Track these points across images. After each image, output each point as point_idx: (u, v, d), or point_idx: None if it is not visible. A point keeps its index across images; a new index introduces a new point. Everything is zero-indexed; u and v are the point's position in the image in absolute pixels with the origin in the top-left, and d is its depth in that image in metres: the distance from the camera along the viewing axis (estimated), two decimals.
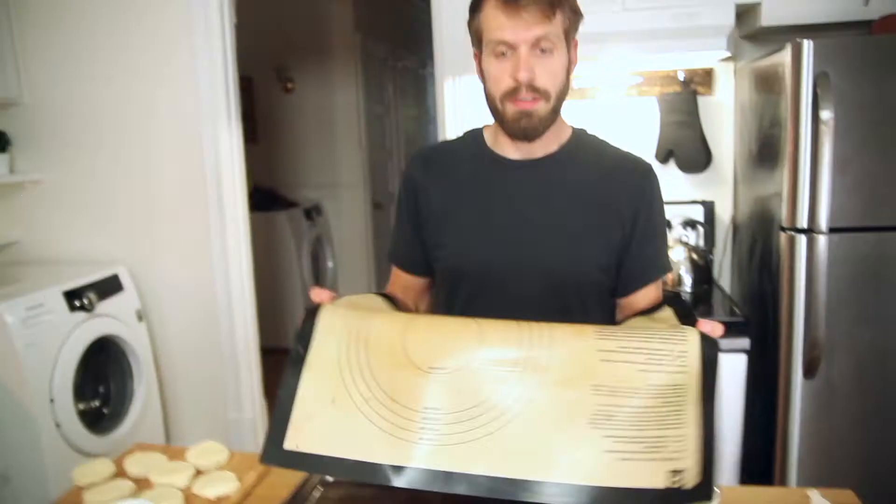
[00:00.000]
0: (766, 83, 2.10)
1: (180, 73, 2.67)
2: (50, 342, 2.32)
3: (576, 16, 1.14)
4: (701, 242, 2.47)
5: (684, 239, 2.41)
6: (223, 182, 2.74)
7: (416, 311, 1.31)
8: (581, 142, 1.23)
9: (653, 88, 2.53)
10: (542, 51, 1.08)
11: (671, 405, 0.80)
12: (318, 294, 1.00)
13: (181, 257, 2.81)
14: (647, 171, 1.21)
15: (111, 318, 2.59)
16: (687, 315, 0.91)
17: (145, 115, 2.73)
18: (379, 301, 1.11)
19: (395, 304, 1.14)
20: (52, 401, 2.30)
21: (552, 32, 1.08)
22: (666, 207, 2.41)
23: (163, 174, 2.76)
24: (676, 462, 0.77)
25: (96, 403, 2.65)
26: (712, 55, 2.36)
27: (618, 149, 1.25)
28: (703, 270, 2.37)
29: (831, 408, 1.97)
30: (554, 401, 0.84)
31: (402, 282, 1.31)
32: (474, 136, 1.26)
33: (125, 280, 2.70)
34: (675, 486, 0.76)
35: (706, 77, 2.49)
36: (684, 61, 2.47)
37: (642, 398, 0.82)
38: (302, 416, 0.88)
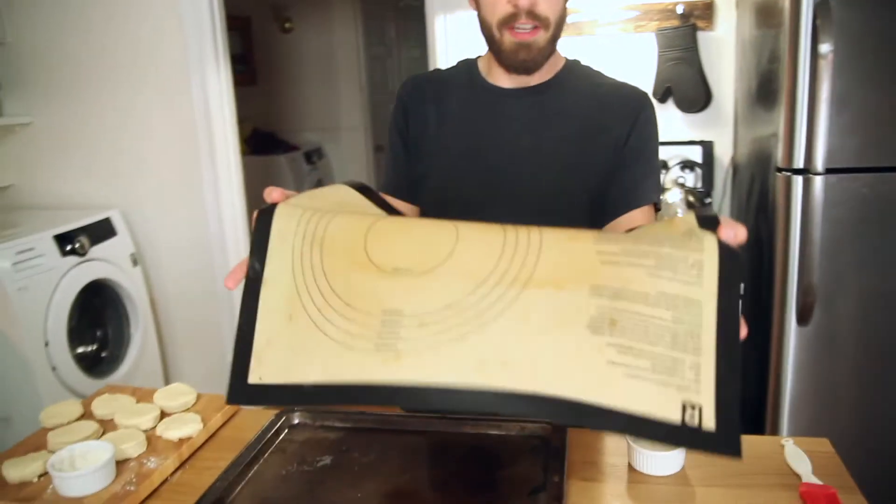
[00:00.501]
0: (767, 16, 2.00)
1: (166, 12, 2.60)
2: (42, 286, 2.33)
3: None
4: (699, 184, 2.41)
5: (681, 181, 2.35)
6: (213, 125, 2.70)
7: None
8: (575, 70, 1.19)
9: (650, 23, 2.43)
10: None
11: (685, 324, 0.66)
12: (269, 192, 0.85)
13: (174, 201, 2.80)
14: (642, 98, 1.16)
15: (105, 262, 2.59)
16: (709, 220, 0.72)
17: (132, 55, 2.67)
18: (349, 194, 0.92)
19: (372, 197, 0.96)
20: (46, 344, 2.33)
21: None
22: (663, 148, 2.37)
23: (152, 117, 2.72)
24: (692, 394, 0.63)
25: (94, 348, 2.68)
26: None
27: (613, 78, 1.20)
28: None
29: (826, 356, 1.94)
30: (544, 302, 0.69)
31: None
32: (468, 65, 1.22)
33: (118, 224, 2.69)
34: (691, 423, 0.63)
35: (706, 10, 2.38)
36: None
37: (652, 306, 0.67)
38: (262, 342, 0.77)
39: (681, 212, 2.29)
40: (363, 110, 4.79)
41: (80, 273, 2.46)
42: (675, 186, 2.31)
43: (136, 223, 2.81)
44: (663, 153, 2.41)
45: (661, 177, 2.39)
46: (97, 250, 2.55)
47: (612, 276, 0.69)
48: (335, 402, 0.72)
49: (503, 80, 1.16)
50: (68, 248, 2.43)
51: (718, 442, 0.63)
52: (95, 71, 2.71)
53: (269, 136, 4.73)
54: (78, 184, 2.83)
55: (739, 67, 2.37)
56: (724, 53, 2.42)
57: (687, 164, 2.40)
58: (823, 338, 1.92)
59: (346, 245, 0.78)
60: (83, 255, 2.48)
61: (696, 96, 2.41)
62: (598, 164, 1.12)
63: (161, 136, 2.74)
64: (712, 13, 2.39)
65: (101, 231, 2.61)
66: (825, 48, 1.71)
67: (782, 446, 1.03)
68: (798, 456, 1.00)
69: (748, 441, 1.06)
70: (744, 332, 0.67)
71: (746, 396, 2.17)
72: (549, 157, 1.12)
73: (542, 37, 1.06)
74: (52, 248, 2.39)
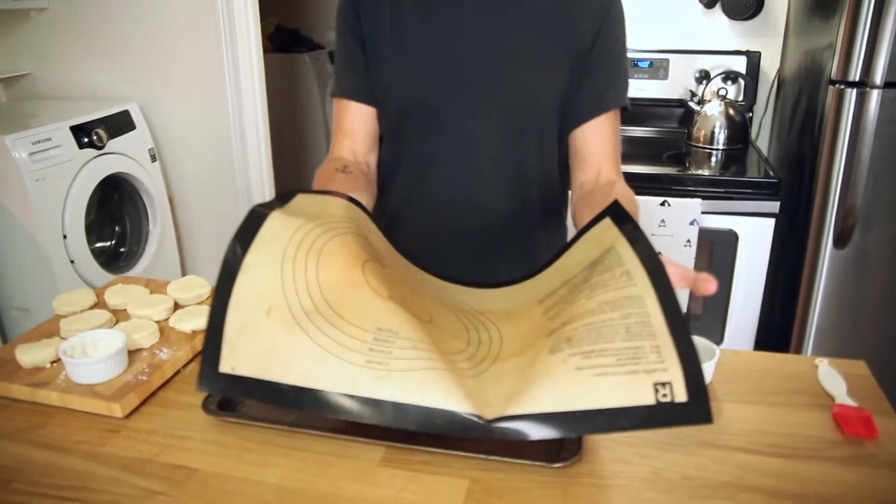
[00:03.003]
0: None
1: None
2: (59, 178, 2.31)
3: None
4: (741, 97, 2.29)
5: (722, 92, 2.23)
6: (235, 19, 2.60)
7: (369, 169, 1.16)
8: None
9: None
10: None
11: (633, 316, 0.70)
12: None
13: (194, 97, 2.73)
14: None
15: (123, 156, 2.55)
16: (634, 238, 0.77)
17: None
18: (352, 210, 0.93)
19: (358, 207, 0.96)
20: (64, 237, 2.33)
21: None
22: (705, 57, 2.25)
23: (173, 7, 2.62)
24: (660, 374, 0.66)
25: (112, 243, 2.68)
26: None
27: None
28: (739, 128, 2.21)
29: (859, 280, 1.88)
30: (512, 364, 0.76)
31: (355, 122, 1.15)
32: None
33: (137, 117, 2.64)
34: (664, 401, 0.65)
35: None
36: None
37: (598, 315, 0.72)
38: (235, 330, 0.75)
39: (718, 125, 2.19)
40: None
41: (97, 166, 2.43)
42: (715, 98, 2.20)
43: (154, 118, 2.76)
44: (705, 62, 2.29)
45: (701, 87, 2.28)
46: (115, 143, 2.52)
47: (559, 317, 0.77)
48: (314, 408, 0.72)
49: None
50: (86, 139, 2.39)
51: (691, 411, 0.65)
52: None
53: (294, 34, 4.58)
54: (96, 74, 2.77)
55: None
56: None
57: (730, 76, 2.28)
58: (858, 261, 1.86)
59: (344, 264, 0.79)
60: (101, 147, 2.44)
61: (746, 2, 2.26)
62: (565, 62, 1.05)
63: (181, 29, 2.64)
64: None
65: (120, 124, 2.57)
66: None
67: (816, 366, 0.99)
68: (832, 376, 0.96)
69: (780, 359, 1.02)
70: (712, 286, 0.74)
71: (772, 323, 2.13)
72: (515, 53, 1.04)
73: None
74: (69, 139, 2.35)
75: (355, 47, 1.12)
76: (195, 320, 1.11)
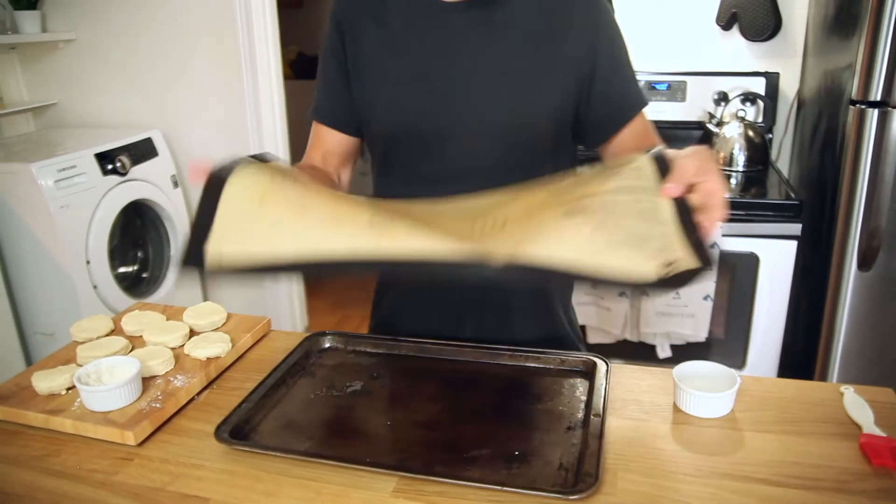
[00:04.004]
0: None
1: None
2: (83, 205, 2.34)
3: None
4: (760, 119, 2.26)
5: (741, 114, 2.21)
6: (256, 47, 2.63)
7: (339, 179, 1.16)
8: None
9: None
10: None
11: (643, 202, 0.74)
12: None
13: (215, 124, 2.76)
14: (597, 0, 1.04)
15: (146, 182, 2.59)
16: (650, 151, 0.79)
17: None
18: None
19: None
20: (88, 262, 2.35)
21: None
22: (723, 79, 2.24)
23: (195, 36, 2.67)
24: (667, 253, 0.71)
25: (134, 268, 2.70)
26: None
27: None
28: (759, 150, 2.18)
29: (885, 303, 1.83)
30: (522, 215, 0.77)
31: (329, 143, 1.15)
32: None
33: (159, 144, 2.68)
34: (673, 274, 0.71)
35: None
36: None
37: (612, 194, 0.75)
38: (226, 219, 0.76)
39: (738, 147, 2.16)
40: None
41: (121, 192, 2.46)
42: (734, 120, 2.18)
43: (176, 144, 2.79)
44: (724, 84, 2.27)
45: (720, 109, 2.26)
46: (138, 170, 2.55)
47: (571, 194, 0.77)
48: (315, 273, 0.75)
49: None
50: (110, 166, 2.43)
51: (696, 270, 0.71)
52: None
53: (314, 61, 4.63)
54: (120, 102, 2.82)
55: None
56: None
57: (748, 97, 2.26)
58: (884, 284, 1.82)
59: (331, 195, 0.80)
60: (124, 174, 2.47)
61: (764, 23, 2.24)
62: (558, 79, 1.02)
63: (203, 57, 2.68)
64: None
65: (143, 151, 2.60)
66: None
67: (842, 394, 0.96)
68: (859, 405, 0.93)
69: (804, 386, 0.99)
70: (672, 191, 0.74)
71: (795, 346, 2.08)
72: (501, 77, 1.00)
73: None
74: (94, 166, 2.39)
75: (336, 73, 1.10)
76: (210, 347, 1.10)
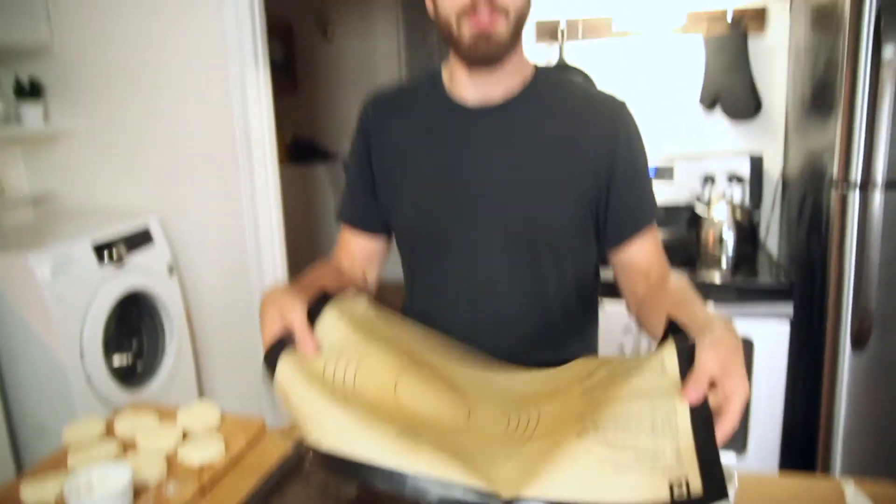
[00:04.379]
0: (824, 20, 1.90)
1: (208, 20, 2.61)
2: (79, 295, 2.34)
3: None
4: (746, 199, 2.30)
5: (728, 195, 2.25)
6: (251, 133, 2.69)
7: (364, 282, 1.21)
8: (545, 80, 1.11)
9: (698, 29, 2.34)
10: None
11: (660, 410, 0.72)
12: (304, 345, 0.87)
13: (211, 209, 2.80)
14: (619, 108, 1.09)
15: (142, 271, 2.59)
16: (678, 338, 0.78)
17: (174, 63, 2.68)
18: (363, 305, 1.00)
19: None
20: (82, 355, 2.33)
21: None
22: (709, 160, 2.29)
23: (191, 124, 2.73)
24: (678, 471, 0.68)
25: (128, 359, 2.68)
26: None
27: (586, 86, 1.13)
28: (747, 230, 2.21)
29: (883, 384, 1.82)
30: (542, 443, 0.77)
31: (353, 245, 1.21)
32: (431, 77, 1.14)
33: (155, 232, 2.70)
34: (680, 498, 0.67)
35: (758, 16, 2.29)
36: None
37: (629, 401, 0.74)
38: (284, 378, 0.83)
39: (727, 228, 2.19)
40: None
41: (117, 283, 2.47)
42: (720, 201, 2.22)
43: (173, 231, 2.82)
44: (709, 165, 2.32)
45: (707, 190, 2.30)
46: (134, 258, 2.56)
47: (593, 401, 0.78)
48: (341, 471, 0.75)
49: (468, 90, 1.08)
50: (106, 256, 2.44)
51: (710, 496, 0.67)
52: (138, 78, 2.73)
53: (309, 145, 4.74)
54: (118, 190, 2.85)
55: (792, 75, 2.27)
56: (775, 60, 2.32)
57: (734, 177, 2.30)
58: (880, 365, 1.81)
59: (380, 377, 0.85)
60: (120, 263, 2.48)
61: (745, 105, 2.31)
62: (578, 183, 1.05)
63: (200, 144, 2.74)
64: (764, 18, 2.29)
65: (139, 239, 2.62)
66: (889, 53, 1.61)
67: (843, 489, 0.95)
68: (861, 501, 0.92)
69: (805, 481, 0.98)
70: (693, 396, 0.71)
71: (795, 428, 2.06)
72: (522, 182, 1.05)
73: (502, 26, 0.99)
74: (90, 256, 2.40)
75: (360, 177, 1.16)
76: (203, 451, 1.09)
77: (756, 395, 1.95)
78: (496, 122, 1.07)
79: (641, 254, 1.10)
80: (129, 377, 2.60)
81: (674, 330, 0.80)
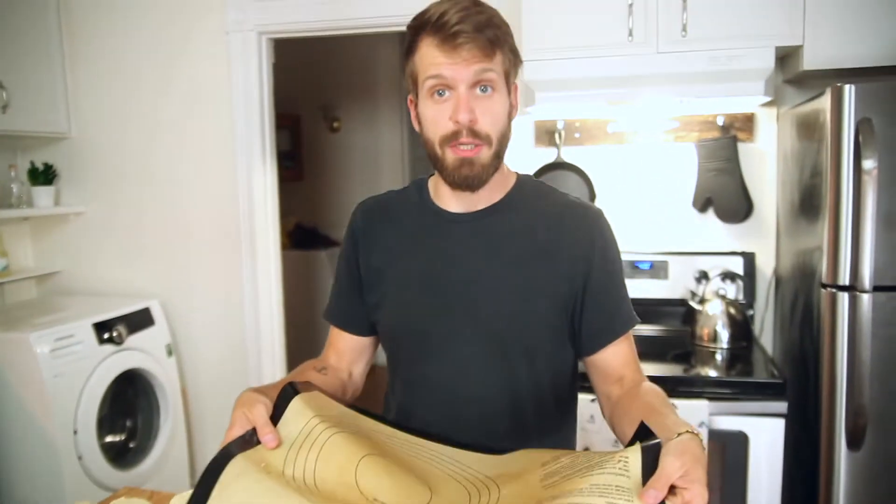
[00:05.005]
0: (808, 130, 2.00)
1: (219, 113, 2.73)
2: (77, 374, 2.35)
3: (516, 58, 1.09)
4: (741, 296, 2.35)
5: (722, 292, 2.30)
6: (255, 220, 2.77)
7: (350, 378, 1.24)
8: (525, 189, 1.17)
9: (691, 134, 2.45)
10: (483, 90, 1.03)
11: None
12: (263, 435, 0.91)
13: (213, 293, 2.84)
14: (595, 217, 1.14)
15: (140, 351, 2.61)
16: (645, 439, 0.80)
17: (183, 150, 2.79)
18: (357, 417, 1.05)
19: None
20: (75, 432, 2.32)
21: (492, 71, 1.03)
22: (704, 259, 2.35)
23: (198, 210, 2.81)
24: None
25: (122, 437, 2.67)
26: (751, 100, 2.28)
27: (566, 195, 1.18)
28: (741, 326, 2.25)
29: (883, 484, 1.81)
30: None
31: (340, 343, 1.24)
32: (418, 187, 1.21)
33: (157, 314, 2.73)
34: None
35: (747, 122, 2.40)
36: (723, 106, 2.39)
37: (584, 495, 0.74)
38: (231, 474, 0.85)
39: (721, 324, 2.23)
40: None
41: (115, 362, 2.49)
42: (715, 298, 2.26)
43: (174, 313, 2.85)
44: (704, 263, 2.38)
45: (701, 287, 2.35)
46: (134, 339, 2.58)
47: (552, 488, 0.80)
48: None
49: (451, 202, 1.14)
50: (106, 336, 2.46)
51: None
52: (148, 165, 2.83)
53: (312, 231, 4.83)
54: (122, 272, 2.91)
55: (781, 179, 2.36)
56: (765, 164, 2.42)
57: (728, 276, 2.36)
58: (878, 466, 1.81)
59: (340, 462, 0.89)
60: (120, 343, 2.51)
61: (737, 207, 2.39)
62: (554, 289, 1.10)
63: (205, 229, 2.81)
64: (753, 125, 2.41)
65: (140, 320, 2.65)
66: (869, 164, 1.69)
67: None
68: None
69: None
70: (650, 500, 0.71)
71: None
72: (502, 281, 1.09)
73: (484, 153, 1.04)
74: (91, 336, 2.43)
75: (348, 279, 1.21)
76: None
77: (752, 494, 1.93)
78: (476, 229, 1.12)
79: (617, 359, 1.12)
80: (121, 456, 2.57)
81: (643, 433, 0.81)
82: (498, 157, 1.08)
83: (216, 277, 2.82)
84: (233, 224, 2.77)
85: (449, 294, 1.10)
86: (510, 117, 1.09)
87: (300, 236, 4.73)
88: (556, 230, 1.11)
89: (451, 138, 1.03)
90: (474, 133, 1.03)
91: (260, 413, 0.91)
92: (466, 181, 1.06)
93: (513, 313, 1.09)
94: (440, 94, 1.03)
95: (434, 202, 1.16)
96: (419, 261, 1.13)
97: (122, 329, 2.53)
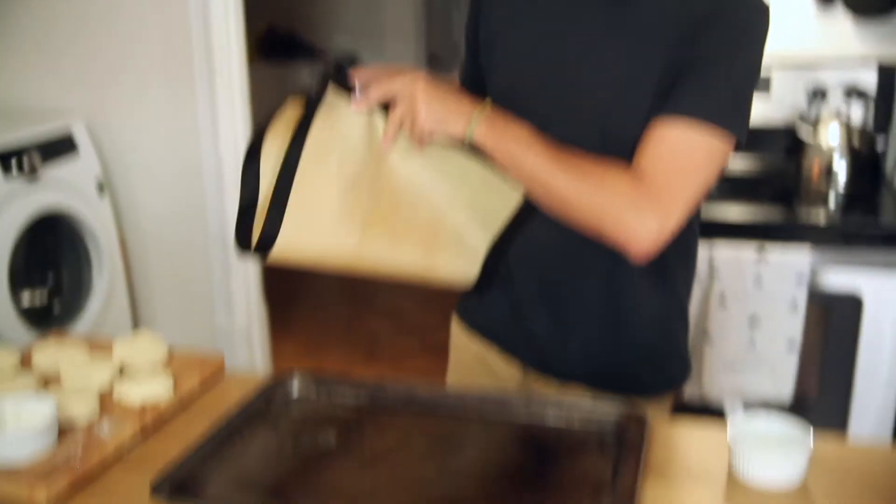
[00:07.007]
0: None
1: None
2: None
3: None
4: (870, 121, 2.34)
5: (843, 116, 2.29)
6: (211, 20, 2.72)
7: None
8: None
9: None
10: None
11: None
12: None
13: (157, 115, 2.83)
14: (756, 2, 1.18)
15: (62, 187, 2.65)
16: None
17: None
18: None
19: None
20: None
21: None
22: (823, 70, 2.32)
23: (135, 6, 2.76)
24: None
25: (42, 297, 2.76)
26: None
27: None
28: (867, 161, 2.26)
29: None
30: None
31: None
32: None
33: (81, 138, 2.74)
34: None
35: None
36: None
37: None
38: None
39: (839, 158, 2.24)
40: (415, 9, 4.78)
41: (27, 200, 2.51)
42: (833, 121, 2.25)
43: (105, 140, 2.86)
44: (821, 76, 2.36)
45: (814, 108, 2.34)
46: (51, 171, 2.60)
47: None
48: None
49: None
50: (14, 167, 2.49)
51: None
52: None
53: (288, 38, 4.78)
54: (29, 83, 2.89)
55: None
56: None
57: (854, 93, 2.34)
58: None
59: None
60: (33, 176, 2.54)
61: None
62: (660, 82, 1.17)
63: (141, 27, 2.76)
64: None
65: (59, 147, 2.66)
66: None
67: None
68: None
69: (891, 454, 1.05)
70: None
71: None
72: (607, 64, 1.22)
73: None
74: None
75: (470, 41, 1.42)
76: (145, 388, 1.17)
77: (862, 366, 2.02)
78: (611, 8, 1.22)
79: (647, 146, 1.15)
80: (44, 319, 2.67)
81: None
82: None
83: (161, 95, 2.81)
84: (181, 24, 2.73)
85: (552, 71, 1.27)
86: None
87: (273, 44, 4.69)
88: (689, 17, 1.17)
89: None
90: None
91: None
92: None
93: (622, 104, 1.20)
94: None
95: None
96: (532, 29, 1.30)
97: (35, 157, 2.54)
